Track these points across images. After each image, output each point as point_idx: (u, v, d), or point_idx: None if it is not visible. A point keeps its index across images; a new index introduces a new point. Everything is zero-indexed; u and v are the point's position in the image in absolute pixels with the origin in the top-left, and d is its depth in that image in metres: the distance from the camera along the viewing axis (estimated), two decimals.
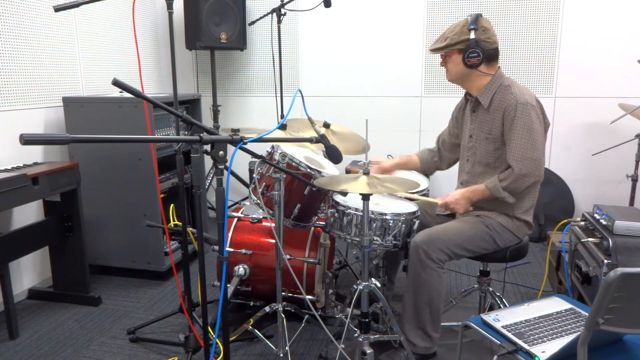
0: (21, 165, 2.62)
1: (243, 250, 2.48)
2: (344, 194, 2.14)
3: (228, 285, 2.44)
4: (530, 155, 2.01)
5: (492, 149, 2.13)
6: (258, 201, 2.16)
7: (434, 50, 2.16)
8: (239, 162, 3.97)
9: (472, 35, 2.04)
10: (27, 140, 1.11)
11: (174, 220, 2.80)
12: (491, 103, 2.11)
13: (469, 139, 2.24)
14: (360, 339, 1.93)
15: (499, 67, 2.15)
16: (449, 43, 2.09)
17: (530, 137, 2.01)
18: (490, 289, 2.36)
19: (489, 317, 1.65)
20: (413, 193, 2.55)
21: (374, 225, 2.06)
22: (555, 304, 1.75)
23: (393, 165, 2.49)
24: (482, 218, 2.14)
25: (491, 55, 2.09)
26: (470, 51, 2.05)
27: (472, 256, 2.12)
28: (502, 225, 2.12)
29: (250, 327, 2.33)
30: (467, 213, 2.21)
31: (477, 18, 2.06)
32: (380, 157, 2.55)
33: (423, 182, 2.56)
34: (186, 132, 2.79)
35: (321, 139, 1.75)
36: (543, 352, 1.45)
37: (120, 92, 2.58)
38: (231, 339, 2.29)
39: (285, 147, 2.20)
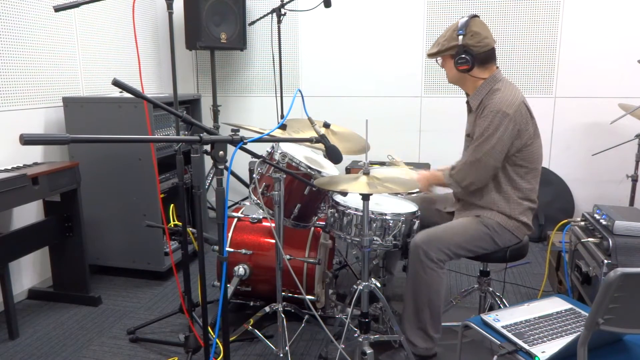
0: (21, 165, 2.62)
1: (243, 250, 2.48)
2: (344, 194, 2.14)
3: (228, 285, 2.44)
4: (478, 157, 2.05)
5: None
6: (258, 201, 2.16)
7: (429, 56, 2.21)
8: (239, 162, 3.97)
9: (460, 41, 2.04)
10: (27, 140, 1.11)
11: (174, 220, 2.80)
12: (479, 106, 2.12)
13: (466, 139, 2.25)
14: (360, 339, 1.93)
15: (497, 67, 2.14)
16: (439, 49, 2.13)
17: (487, 142, 2.02)
18: (490, 289, 2.36)
19: (489, 317, 1.65)
20: (412, 193, 2.56)
21: (374, 225, 2.06)
22: (555, 304, 1.75)
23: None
24: (481, 218, 2.14)
25: (483, 59, 2.08)
26: (458, 57, 2.06)
27: (472, 256, 2.13)
28: (501, 225, 2.12)
29: (250, 327, 2.33)
30: (467, 213, 2.21)
31: (466, 22, 2.05)
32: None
33: None
34: (186, 132, 2.79)
35: (321, 139, 1.75)
36: (543, 352, 1.45)
37: (120, 92, 2.57)
38: (231, 339, 2.29)
39: (285, 147, 2.20)
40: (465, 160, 2.12)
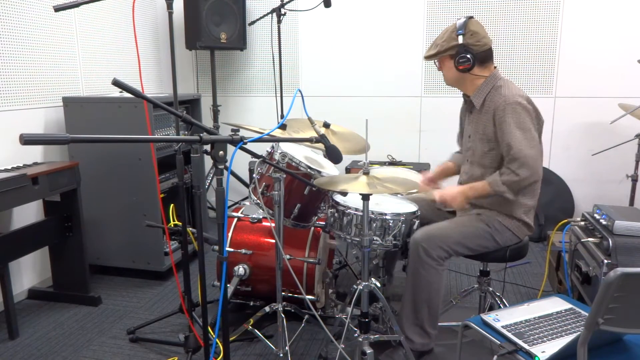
0: (21, 165, 2.62)
1: (243, 250, 2.48)
2: (344, 194, 2.14)
3: (228, 285, 2.44)
4: (527, 153, 1.99)
5: (486, 149, 2.14)
6: (258, 201, 2.16)
7: (427, 58, 2.20)
8: (239, 162, 3.97)
9: (460, 40, 2.05)
10: (27, 140, 1.11)
11: (174, 220, 2.80)
12: (483, 104, 2.13)
13: (468, 140, 2.25)
14: (360, 339, 1.93)
15: (495, 67, 2.16)
16: (439, 50, 2.13)
17: (524, 136, 2.00)
18: (490, 289, 2.36)
19: (489, 317, 1.65)
20: (412, 193, 2.56)
21: (374, 225, 2.06)
22: (555, 304, 1.75)
23: (437, 175, 2.47)
24: (482, 216, 2.14)
25: (483, 58, 2.10)
26: (459, 57, 2.07)
27: (471, 254, 2.13)
28: (502, 224, 2.12)
29: (250, 327, 2.33)
30: (467, 211, 2.21)
31: (465, 22, 2.07)
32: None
33: None
34: (186, 132, 2.79)
35: (321, 139, 1.75)
36: (543, 352, 1.45)
37: (120, 92, 2.57)
38: (231, 339, 2.29)
39: (285, 147, 2.20)
40: (518, 159, 1.99)
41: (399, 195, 2.42)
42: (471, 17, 2.09)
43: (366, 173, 1.86)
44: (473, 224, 2.12)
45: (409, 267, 2.07)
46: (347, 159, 3.54)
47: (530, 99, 2.08)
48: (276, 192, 2.01)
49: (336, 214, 2.11)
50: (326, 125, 2.39)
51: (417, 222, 2.13)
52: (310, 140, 1.74)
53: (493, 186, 2.05)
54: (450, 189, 2.16)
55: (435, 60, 2.19)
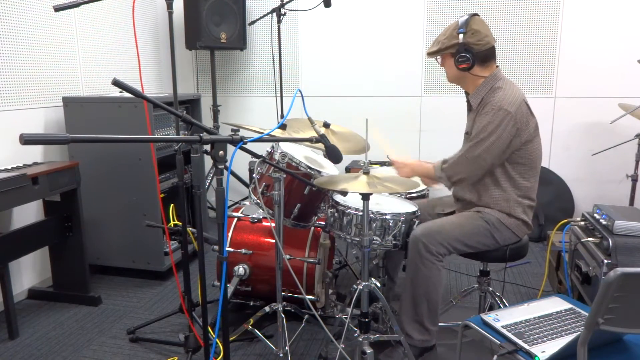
0: (21, 165, 2.62)
1: (243, 250, 2.48)
2: (344, 193, 2.14)
3: (228, 285, 2.44)
4: (477, 153, 2.04)
5: None
6: (258, 201, 2.16)
7: (429, 55, 2.21)
8: (239, 162, 3.97)
9: (461, 39, 2.04)
10: (27, 140, 1.11)
11: (174, 220, 2.80)
12: (480, 104, 2.12)
13: (465, 136, 2.25)
14: (360, 339, 1.93)
15: (497, 66, 2.15)
16: (440, 47, 2.13)
17: (488, 139, 2.02)
18: (490, 288, 2.36)
19: (489, 317, 1.65)
20: (412, 193, 2.56)
21: (374, 225, 2.06)
22: (555, 304, 1.75)
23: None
24: (481, 214, 2.14)
25: (484, 57, 2.08)
26: (459, 55, 2.06)
27: (471, 252, 2.12)
28: (501, 222, 2.12)
29: (250, 327, 2.33)
30: (467, 209, 2.22)
31: (467, 21, 2.05)
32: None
33: None
34: (186, 132, 2.79)
35: (321, 139, 1.75)
36: (543, 352, 1.45)
37: (120, 92, 2.58)
38: (231, 339, 2.29)
39: (285, 147, 2.20)
40: (461, 155, 2.11)
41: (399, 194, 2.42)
42: (475, 15, 2.08)
43: (366, 173, 1.86)
44: (472, 221, 2.13)
45: (409, 264, 2.08)
46: (347, 159, 3.55)
47: (525, 105, 2.05)
48: (276, 192, 2.01)
49: (336, 214, 2.12)
50: (326, 125, 2.39)
51: (417, 222, 2.13)
52: (310, 140, 1.74)
53: (435, 171, 2.17)
54: (408, 160, 2.27)
55: (437, 58, 2.19)
